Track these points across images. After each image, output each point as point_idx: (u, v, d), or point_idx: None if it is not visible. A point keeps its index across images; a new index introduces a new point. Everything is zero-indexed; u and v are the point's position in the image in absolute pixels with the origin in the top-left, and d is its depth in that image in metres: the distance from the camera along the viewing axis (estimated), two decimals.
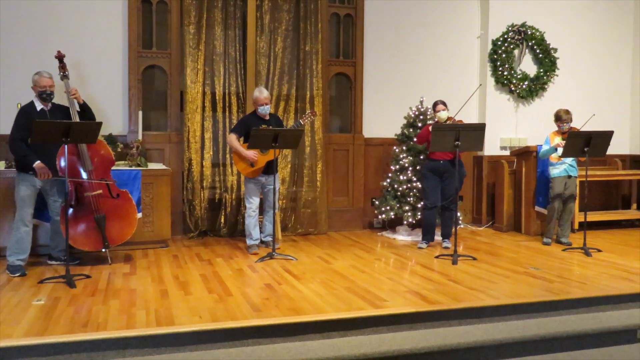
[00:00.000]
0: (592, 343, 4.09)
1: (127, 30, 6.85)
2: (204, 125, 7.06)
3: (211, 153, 7.11)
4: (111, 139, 6.53)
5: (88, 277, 5.03)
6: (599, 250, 6.28)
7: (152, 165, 6.57)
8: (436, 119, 6.56)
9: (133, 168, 6.21)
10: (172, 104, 7.09)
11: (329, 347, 3.71)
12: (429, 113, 7.20)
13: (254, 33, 7.23)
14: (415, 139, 6.89)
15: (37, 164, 5.07)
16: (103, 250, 5.50)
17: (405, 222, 7.21)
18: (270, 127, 5.98)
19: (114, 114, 6.89)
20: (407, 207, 7.08)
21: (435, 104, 6.59)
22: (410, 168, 7.10)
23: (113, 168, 5.70)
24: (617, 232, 7.74)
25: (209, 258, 5.92)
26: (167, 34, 7.04)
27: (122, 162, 6.36)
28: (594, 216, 7.69)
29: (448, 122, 6.40)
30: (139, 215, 5.96)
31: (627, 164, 8.78)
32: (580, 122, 6.74)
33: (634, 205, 8.30)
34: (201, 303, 4.24)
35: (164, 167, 6.63)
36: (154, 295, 4.48)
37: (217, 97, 7.11)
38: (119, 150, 6.48)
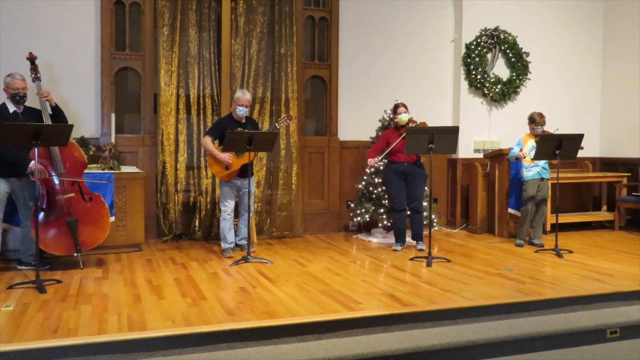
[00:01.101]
0: (563, 343, 4.14)
1: (99, 32, 6.77)
2: (178, 128, 7.00)
3: (185, 156, 7.05)
4: (83, 142, 6.45)
5: (59, 282, 4.95)
6: (570, 252, 6.38)
7: (125, 169, 6.49)
8: (397, 121, 6.61)
9: (106, 171, 6.13)
10: (145, 107, 7.02)
11: (304, 350, 3.70)
12: None
13: (228, 35, 7.20)
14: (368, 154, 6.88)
15: (33, 164, 4.95)
16: (75, 254, 5.42)
17: (380, 225, 7.24)
18: (246, 130, 5.95)
19: (87, 117, 6.80)
20: (382, 210, 7.12)
21: (396, 107, 6.66)
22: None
23: (86, 171, 5.62)
24: (588, 233, 7.87)
25: (183, 262, 5.87)
26: (140, 35, 6.98)
27: (95, 165, 6.29)
28: (565, 218, 7.81)
29: (409, 124, 6.46)
30: (112, 218, 5.89)
31: (597, 167, 8.95)
32: (552, 127, 6.84)
33: (604, 207, 8.45)
34: (174, 307, 4.20)
35: (137, 170, 6.55)
36: (126, 299, 4.43)
37: (191, 100, 7.06)
38: (91, 153, 6.40)
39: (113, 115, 6.66)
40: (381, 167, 7.15)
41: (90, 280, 5.07)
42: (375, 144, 6.75)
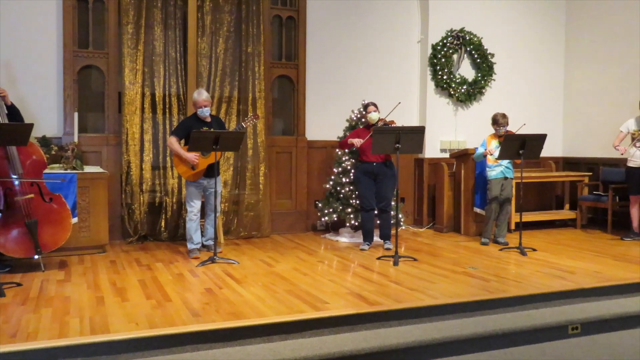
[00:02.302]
0: (526, 339, 4.20)
1: (61, 29, 6.62)
2: (143, 127, 6.90)
3: (151, 156, 6.96)
4: (45, 142, 6.31)
5: (19, 285, 4.82)
6: (534, 250, 6.48)
7: (89, 168, 6.37)
8: (367, 120, 6.64)
9: (68, 171, 6.00)
10: (109, 105, 6.90)
11: (270, 351, 3.68)
12: None
13: (194, 34, 7.13)
14: (339, 148, 6.90)
15: None
16: (35, 256, 5.28)
17: (348, 224, 7.26)
18: (212, 130, 5.90)
19: (48, 116, 6.65)
20: (349, 210, 7.13)
21: (366, 106, 6.69)
22: (352, 170, 7.14)
23: (46, 171, 5.50)
24: (551, 231, 8.02)
25: (149, 263, 5.78)
26: (104, 33, 6.85)
27: (57, 165, 6.15)
28: (529, 216, 7.94)
29: (379, 123, 6.49)
30: (75, 220, 5.77)
31: (560, 166, 9.13)
32: (516, 126, 6.94)
33: (567, 206, 8.62)
34: (138, 309, 4.13)
35: (101, 170, 6.43)
36: (89, 302, 4.34)
37: (157, 99, 6.97)
38: (53, 152, 6.26)
39: (76, 115, 6.53)
40: (349, 167, 7.17)
41: (51, 282, 4.95)
42: (343, 140, 6.74)
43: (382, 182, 6.54)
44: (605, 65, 8.50)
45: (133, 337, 3.48)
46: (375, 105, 6.65)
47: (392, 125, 6.47)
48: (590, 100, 8.76)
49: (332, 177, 7.32)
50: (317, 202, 7.67)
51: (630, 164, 7.04)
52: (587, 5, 8.80)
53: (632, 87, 7.84)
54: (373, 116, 6.57)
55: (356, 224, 7.18)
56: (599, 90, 8.59)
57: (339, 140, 7.46)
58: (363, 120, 6.66)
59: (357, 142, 6.47)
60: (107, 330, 3.66)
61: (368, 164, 6.54)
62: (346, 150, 7.22)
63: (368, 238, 6.66)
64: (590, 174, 8.44)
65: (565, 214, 8.49)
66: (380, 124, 6.48)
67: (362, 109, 7.35)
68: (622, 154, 7.00)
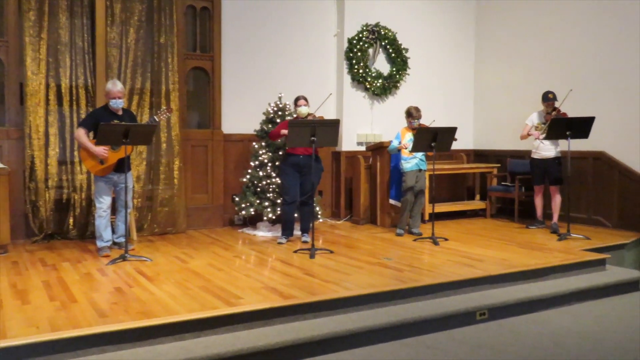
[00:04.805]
0: (436, 327, 4.33)
1: None
2: (48, 120, 6.56)
3: (57, 150, 6.62)
4: None
5: None
6: (446, 239, 6.69)
7: None
8: (296, 115, 6.62)
9: None
10: (10, 97, 6.50)
11: (181, 349, 3.59)
12: (287, 109, 7.26)
13: (103, 23, 6.83)
14: (270, 138, 6.86)
15: None
16: None
17: (265, 218, 7.21)
18: (122, 123, 5.67)
19: None
20: (267, 203, 7.09)
21: (296, 99, 6.66)
22: (269, 164, 7.10)
23: None
24: (463, 221, 8.31)
25: (54, 263, 5.50)
26: (3, 20, 6.44)
27: None
28: (442, 207, 8.19)
29: (309, 117, 6.49)
30: None
31: (471, 158, 9.48)
32: (429, 119, 7.12)
33: (477, 196, 8.96)
34: (40, 312, 3.92)
35: (1, 165, 6.05)
36: None
37: (62, 90, 6.64)
38: None
39: None
40: (265, 160, 7.12)
41: None
42: (273, 130, 6.61)
43: (307, 175, 6.52)
44: (512, 62, 8.88)
45: (32, 342, 3.30)
46: (305, 99, 6.61)
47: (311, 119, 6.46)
48: (498, 95, 9.14)
49: (249, 171, 7.24)
50: (234, 196, 7.57)
51: (534, 156, 7.39)
52: (495, 5, 9.15)
53: (537, 82, 8.23)
54: (302, 110, 6.54)
55: (274, 217, 7.14)
56: (507, 85, 8.98)
57: (255, 133, 7.38)
58: (280, 113, 6.60)
59: (283, 131, 6.40)
60: (4, 335, 3.44)
61: (295, 157, 6.50)
62: (263, 144, 7.16)
63: (287, 231, 6.64)
64: (499, 165, 8.81)
65: (476, 204, 8.83)
66: (309, 118, 6.45)
67: (279, 102, 7.31)
68: (536, 138, 7.26)
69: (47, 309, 3.99)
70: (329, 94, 6.58)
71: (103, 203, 5.86)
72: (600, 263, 5.73)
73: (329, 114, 8.35)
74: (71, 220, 6.69)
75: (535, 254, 5.89)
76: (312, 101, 6.73)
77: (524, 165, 8.05)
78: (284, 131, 6.39)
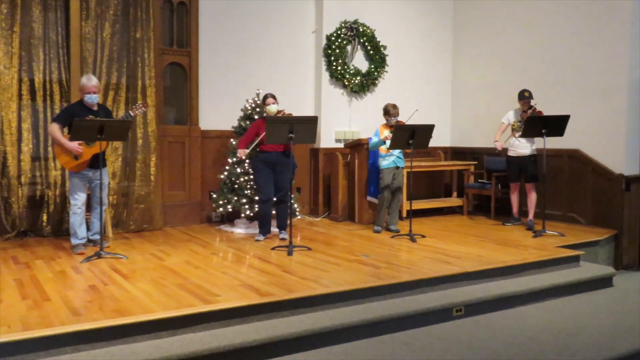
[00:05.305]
0: (413, 323, 4.35)
1: None
2: (21, 115, 6.44)
3: (30, 146, 6.51)
4: None
5: None
6: (423, 236, 6.72)
7: None
8: (266, 113, 6.59)
9: None
10: None
11: (157, 348, 3.55)
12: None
13: (78, 16, 6.71)
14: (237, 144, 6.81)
15: None
16: None
17: (243, 215, 7.17)
18: (97, 118, 5.59)
19: None
20: (244, 200, 7.05)
21: (265, 97, 6.62)
22: (247, 161, 7.06)
23: None
24: (440, 218, 8.36)
25: (27, 261, 5.41)
26: None
27: None
28: (419, 204, 8.24)
29: (278, 115, 6.46)
30: None
31: (449, 156, 9.54)
32: (407, 116, 7.14)
33: (455, 194, 9.02)
34: (12, 311, 3.84)
35: None
36: None
37: (36, 85, 6.53)
38: None
39: None
40: (243, 157, 7.07)
41: None
42: (245, 135, 6.62)
43: (281, 172, 6.50)
44: (489, 61, 8.95)
45: (3, 341, 3.23)
46: (274, 96, 6.58)
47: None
48: (476, 93, 9.21)
49: (227, 168, 7.19)
50: (211, 193, 7.50)
51: (510, 154, 7.46)
52: (473, 4, 9.21)
53: (513, 81, 8.31)
54: (272, 108, 6.50)
55: (251, 214, 7.11)
56: (484, 83, 9.05)
57: (233, 130, 7.34)
58: (258, 110, 6.56)
59: (240, 153, 6.44)
60: None
61: (268, 154, 6.47)
62: None
63: (264, 229, 6.61)
64: (476, 162, 8.88)
65: (453, 201, 8.89)
66: (280, 115, 6.41)
67: (257, 99, 7.27)
68: (498, 150, 7.38)
69: (19, 308, 3.92)
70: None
71: (78, 200, 5.77)
72: (575, 259, 5.81)
73: (306, 111, 8.33)
74: (45, 217, 6.58)
75: (511, 251, 5.94)
76: (289, 98, 6.68)
77: (501, 162, 8.12)
78: (239, 152, 6.42)
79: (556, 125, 6.71)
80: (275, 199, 6.59)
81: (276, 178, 6.52)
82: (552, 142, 7.18)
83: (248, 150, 6.43)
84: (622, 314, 4.87)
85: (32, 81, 6.51)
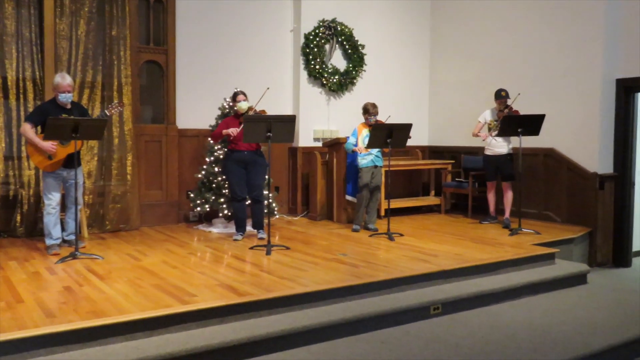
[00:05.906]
0: (391, 322, 4.36)
1: None
2: None
3: (3, 145, 6.40)
4: None
5: None
6: (401, 235, 6.75)
7: None
8: (236, 109, 6.56)
9: None
10: None
11: (133, 349, 3.52)
12: None
13: (52, 13, 6.60)
14: (211, 139, 6.79)
15: None
16: None
17: (221, 215, 7.13)
18: (71, 117, 5.50)
19: None
20: (222, 200, 7.01)
21: (235, 95, 6.59)
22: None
23: None
24: (418, 217, 8.41)
25: (0, 262, 5.30)
26: None
27: None
28: (397, 203, 8.27)
29: (249, 112, 6.43)
30: None
31: (427, 154, 9.60)
32: (385, 115, 7.16)
33: (432, 192, 9.07)
34: None
35: None
36: None
37: (8, 83, 6.41)
38: None
39: None
40: (221, 156, 7.04)
41: None
42: (215, 131, 6.60)
43: (253, 171, 6.48)
44: (466, 60, 9.03)
45: None
46: (244, 94, 6.56)
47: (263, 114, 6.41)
48: (453, 92, 9.28)
49: (205, 167, 7.15)
50: (189, 193, 7.44)
51: (487, 152, 7.53)
52: (450, 4, 9.28)
53: (489, 80, 8.38)
54: (242, 105, 6.48)
55: (229, 214, 7.07)
56: (461, 83, 9.12)
57: (211, 129, 7.29)
58: (235, 109, 6.53)
59: (232, 131, 6.34)
60: None
61: (239, 153, 6.44)
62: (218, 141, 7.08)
63: (241, 228, 6.58)
64: (453, 161, 8.94)
65: (431, 200, 8.94)
66: (250, 113, 6.39)
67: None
68: (483, 140, 7.45)
69: None
70: (266, 88, 6.48)
71: (52, 200, 5.68)
72: (550, 257, 5.89)
73: (284, 110, 8.32)
74: (19, 218, 6.47)
75: (487, 249, 6.00)
76: (267, 97, 6.63)
77: (478, 161, 8.19)
78: (229, 131, 6.34)
79: (532, 124, 6.79)
80: (249, 198, 6.56)
81: (248, 177, 6.49)
82: (528, 141, 7.26)
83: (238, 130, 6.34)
84: (597, 310, 4.94)
85: (4, 79, 6.40)
